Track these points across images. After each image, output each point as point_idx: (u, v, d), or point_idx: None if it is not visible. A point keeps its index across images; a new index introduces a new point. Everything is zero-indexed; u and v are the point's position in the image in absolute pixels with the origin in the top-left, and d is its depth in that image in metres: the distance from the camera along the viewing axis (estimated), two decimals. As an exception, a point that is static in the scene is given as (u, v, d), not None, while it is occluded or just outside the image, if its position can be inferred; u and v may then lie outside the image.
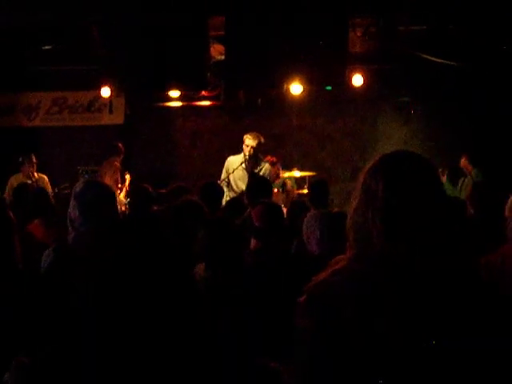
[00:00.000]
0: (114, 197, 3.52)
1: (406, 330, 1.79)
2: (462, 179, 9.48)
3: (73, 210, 3.30)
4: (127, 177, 10.09)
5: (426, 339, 1.79)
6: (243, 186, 7.85)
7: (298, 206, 6.43)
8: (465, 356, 1.80)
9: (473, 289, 1.89)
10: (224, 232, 4.18)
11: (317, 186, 7.23)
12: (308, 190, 8.35)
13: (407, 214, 1.85)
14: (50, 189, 9.29)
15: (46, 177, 9.70)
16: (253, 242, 4.47)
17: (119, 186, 9.84)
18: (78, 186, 3.33)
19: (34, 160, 9.60)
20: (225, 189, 8.31)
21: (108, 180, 9.25)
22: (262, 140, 8.46)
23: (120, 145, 10.29)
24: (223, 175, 8.56)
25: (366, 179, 1.93)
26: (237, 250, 4.15)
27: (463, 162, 9.51)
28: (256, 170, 8.45)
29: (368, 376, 1.78)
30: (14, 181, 9.45)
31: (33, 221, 5.34)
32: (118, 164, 10.13)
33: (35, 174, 9.55)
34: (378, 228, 1.86)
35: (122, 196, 9.48)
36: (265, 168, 8.55)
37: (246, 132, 8.60)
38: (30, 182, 9.32)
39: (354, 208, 1.94)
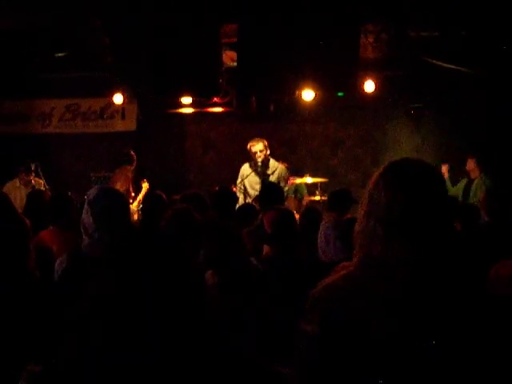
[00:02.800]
0: (127, 204, 3.55)
1: (405, 335, 1.81)
2: (465, 181, 9.40)
3: (86, 217, 3.32)
4: (145, 185, 9.87)
5: (423, 344, 1.80)
6: None
7: (312, 212, 6.42)
8: (460, 362, 1.81)
9: (471, 297, 1.90)
10: (218, 235, 4.21)
11: (335, 194, 7.16)
12: (327, 198, 8.28)
13: (409, 224, 1.85)
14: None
15: (42, 181, 9.66)
16: (265, 248, 4.49)
17: (132, 195, 9.74)
18: (92, 193, 3.35)
19: (33, 168, 9.55)
20: (241, 195, 8.37)
21: (119, 188, 9.20)
22: (266, 142, 8.52)
23: (132, 153, 10.21)
24: (238, 181, 8.62)
25: (371, 188, 1.94)
26: (233, 252, 4.16)
27: (471, 164, 9.40)
28: (269, 172, 8.48)
29: (369, 379, 1.80)
30: (11, 186, 9.43)
31: (47, 227, 5.34)
32: (130, 173, 10.04)
33: (32, 181, 9.51)
34: (379, 237, 1.87)
35: (134, 205, 9.38)
36: (279, 170, 8.57)
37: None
38: (24, 188, 9.28)
39: (360, 216, 1.96)
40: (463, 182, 9.37)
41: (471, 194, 8.90)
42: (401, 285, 1.84)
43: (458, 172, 9.68)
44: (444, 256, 1.87)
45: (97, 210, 3.30)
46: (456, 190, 9.29)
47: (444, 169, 9.62)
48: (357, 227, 1.97)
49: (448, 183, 9.47)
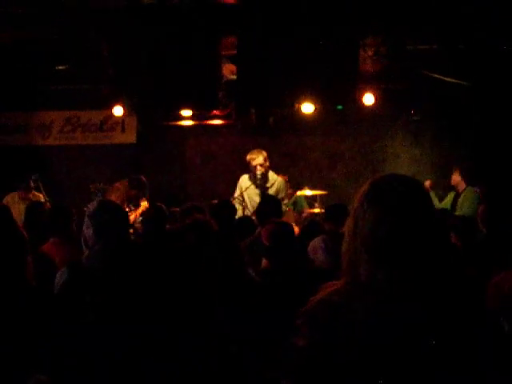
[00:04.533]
0: (126, 217, 3.58)
1: (395, 351, 1.81)
2: (453, 194, 9.28)
3: (87, 229, 3.36)
4: (143, 203, 9.55)
5: (414, 360, 1.80)
6: None
7: (313, 225, 6.43)
8: (454, 378, 1.82)
9: (465, 315, 1.89)
10: (223, 248, 4.22)
11: (333, 208, 7.16)
12: (324, 211, 8.29)
13: (393, 245, 1.84)
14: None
15: (41, 195, 9.64)
16: (263, 261, 4.50)
17: (126, 210, 9.49)
18: (92, 207, 3.39)
19: (32, 185, 9.53)
20: (239, 206, 8.34)
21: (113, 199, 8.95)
22: (265, 153, 8.49)
23: (143, 179, 9.79)
24: (237, 193, 8.60)
25: (355, 207, 1.93)
26: (233, 264, 4.18)
27: (456, 177, 9.18)
28: (268, 185, 8.46)
29: None
30: (10, 199, 9.40)
31: (48, 240, 5.36)
32: (125, 189, 9.76)
33: (30, 196, 9.48)
34: (363, 257, 1.87)
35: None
36: (277, 182, 8.55)
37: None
38: (23, 202, 9.23)
39: (346, 235, 1.95)
40: (451, 196, 9.27)
41: (458, 207, 8.80)
42: (386, 304, 1.84)
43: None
44: (434, 274, 1.86)
45: (97, 223, 3.33)
46: (444, 205, 9.16)
47: (427, 184, 9.46)
48: (344, 246, 1.96)
49: (434, 199, 9.35)
